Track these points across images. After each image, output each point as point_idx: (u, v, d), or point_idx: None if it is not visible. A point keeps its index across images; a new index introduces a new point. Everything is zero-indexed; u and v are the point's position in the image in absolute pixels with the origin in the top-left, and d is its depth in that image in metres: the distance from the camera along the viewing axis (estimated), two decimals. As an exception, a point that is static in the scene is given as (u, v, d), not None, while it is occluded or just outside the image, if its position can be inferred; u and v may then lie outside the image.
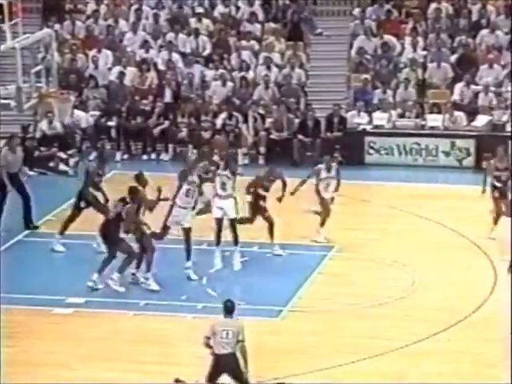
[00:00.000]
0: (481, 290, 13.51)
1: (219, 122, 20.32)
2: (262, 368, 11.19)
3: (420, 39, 21.51)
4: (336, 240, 15.00)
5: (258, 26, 22.03)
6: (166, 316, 12.84)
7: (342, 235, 15.13)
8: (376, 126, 20.01)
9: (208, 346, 9.98)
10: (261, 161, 20.11)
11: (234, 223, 13.92)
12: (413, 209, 16.09)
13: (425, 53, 21.35)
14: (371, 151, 19.77)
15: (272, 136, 20.12)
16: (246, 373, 9.84)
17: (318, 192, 15.09)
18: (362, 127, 20.03)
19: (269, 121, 20.32)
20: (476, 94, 20.43)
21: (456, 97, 20.47)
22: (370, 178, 18.89)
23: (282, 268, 14.16)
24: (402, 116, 20.28)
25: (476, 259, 14.66)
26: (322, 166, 15.29)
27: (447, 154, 19.57)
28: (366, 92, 20.72)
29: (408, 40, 21.53)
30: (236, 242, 13.92)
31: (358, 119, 20.22)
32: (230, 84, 21.00)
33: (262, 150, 20.11)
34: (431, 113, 20.30)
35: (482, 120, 19.96)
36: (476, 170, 19.04)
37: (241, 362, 9.89)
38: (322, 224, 14.97)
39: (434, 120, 20.03)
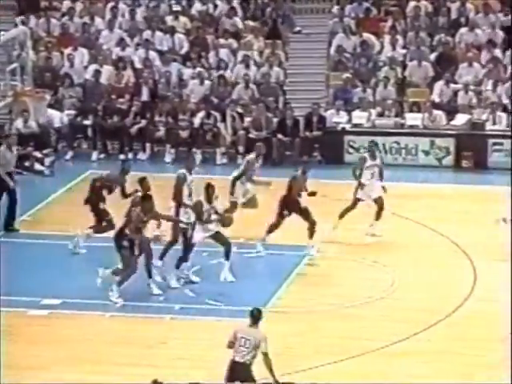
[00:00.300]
0: (461, 290, 13.59)
1: (197, 120, 20.29)
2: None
3: (399, 37, 21.60)
4: (316, 240, 15.02)
5: (238, 22, 22.04)
6: (144, 317, 12.81)
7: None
8: (355, 125, 20.07)
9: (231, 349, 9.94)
10: (239, 160, 20.08)
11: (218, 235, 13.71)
12: (392, 208, 16.13)
13: (404, 51, 21.45)
14: (351, 150, 19.82)
15: (251, 135, 20.11)
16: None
17: (359, 184, 15.21)
18: (341, 126, 20.08)
19: (247, 120, 20.32)
20: (455, 93, 20.55)
21: (435, 96, 20.58)
22: (350, 177, 18.90)
23: (262, 268, 14.18)
24: (381, 115, 20.35)
25: (456, 258, 14.75)
26: (365, 155, 15.53)
27: (427, 152, 19.66)
28: (345, 91, 20.78)
29: (387, 38, 21.61)
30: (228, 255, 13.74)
31: (337, 118, 20.27)
32: (207, 82, 20.99)
33: (241, 149, 20.10)
34: (411, 111, 20.39)
35: (461, 119, 20.07)
36: (456, 168, 19.17)
37: (253, 373, 9.82)
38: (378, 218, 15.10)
39: (413, 119, 20.11)
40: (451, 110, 20.25)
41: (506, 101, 20.28)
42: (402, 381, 11.08)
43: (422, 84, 20.89)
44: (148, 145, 20.35)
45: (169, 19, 22.22)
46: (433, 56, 21.27)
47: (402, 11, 22.04)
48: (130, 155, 20.27)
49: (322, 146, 19.91)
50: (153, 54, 21.51)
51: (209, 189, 13.50)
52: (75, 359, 11.65)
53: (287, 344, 11.96)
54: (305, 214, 14.44)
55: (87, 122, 20.48)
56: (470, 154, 19.52)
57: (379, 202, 15.31)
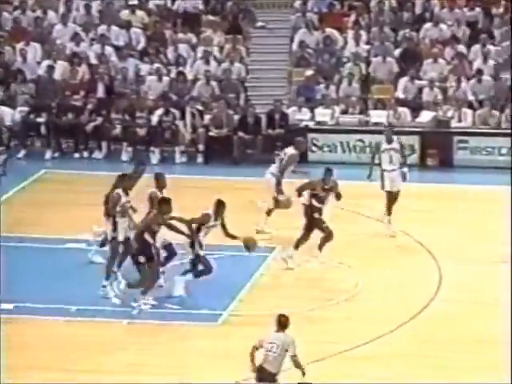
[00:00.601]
0: (426, 290, 13.68)
1: (155, 118, 20.23)
2: (204, 373, 11.17)
3: (363, 33, 21.72)
4: (278, 240, 15.05)
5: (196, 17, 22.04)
6: (100, 322, 12.73)
7: (285, 235, 15.17)
8: (319, 123, 20.14)
9: (252, 357, 9.99)
10: (199, 159, 20.09)
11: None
12: (357, 208, 16.21)
13: (368, 47, 21.57)
14: (314, 148, 19.89)
15: (211, 133, 20.09)
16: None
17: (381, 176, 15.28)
18: (304, 124, 20.14)
19: (207, 117, 20.30)
20: (420, 90, 20.70)
21: (400, 92, 20.72)
22: (313, 176, 18.94)
23: (223, 270, 14.15)
24: (345, 112, 20.45)
25: (420, 258, 14.85)
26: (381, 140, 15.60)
27: (391, 151, 19.76)
28: (308, 87, 20.84)
29: (351, 34, 21.72)
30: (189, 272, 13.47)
31: (299, 115, 20.33)
32: (166, 79, 20.92)
33: (201, 147, 20.08)
34: (375, 109, 20.51)
35: (426, 116, 20.23)
36: (421, 167, 19.31)
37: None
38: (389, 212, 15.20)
39: (378, 116, 20.23)
40: (416, 107, 20.42)
41: (471, 97, 20.49)
42: (367, 384, 11.14)
43: (386, 80, 21.02)
44: (104, 143, 20.24)
45: (125, 13, 22.13)
46: (397, 52, 21.41)
47: (366, 6, 22.17)
48: (86, 154, 20.16)
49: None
50: (109, 50, 21.40)
51: (220, 205, 13.20)
52: (27, 366, 11.52)
53: (249, 348, 11.96)
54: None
55: (40, 120, 20.31)
56: (435, 151, 19.69)
57: (395, 196, 15.36)
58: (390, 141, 15.73)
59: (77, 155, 20.10)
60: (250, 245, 13.33)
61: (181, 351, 11.89)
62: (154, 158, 19.95)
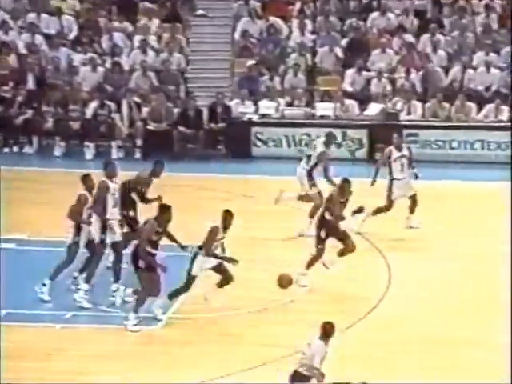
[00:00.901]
0: (376, 289, 13.63)
1: (89, 111, 19.95)
2: (144, 380, 10.96)
3: (308, 22, 21.65)
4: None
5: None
6: (30, 327, 12.43)
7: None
8: (263, 116, 20.03)
9: None
10: (137, 154, 19.86)
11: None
12: (303, 205, 16.09)
13: (314, 36, 21.50)
14: (258, 143, 19.78)
15: (149, 127, 19.87)
16: None
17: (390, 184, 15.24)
18: (247, 117, 20.01)
19: (145, 110, 20.05)
20: (368, 81, 20.70)
21: (347, 84, 20.68)
22: (258, 171, 18.87)
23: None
24: (290, 104, 20.36)
25: (369, 256, 14.80)
26: (391, 148, 15.51)
27: (339, 145, 19.71)
28: (250, 78, 20.70)
29: (295, 23, 21.64)
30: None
31: (243, 108, 20.18)
32: (101, 69, 20.63)
33: (139, 142, 19.86)
34: (322, 101, 20.46)
35: (374, 108, 20.22)
36: (369, 161, 19.28)
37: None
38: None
39: (324, 109, 20.18)
40: (364, 99, 20.40)
41: (420, 89, 20.54)
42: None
43: (333, 72, 20.98)
44: (35, 137, 19.92)
45: (55, 0, 21.80)
46: (344, 42, 21.38)
47: (311, -6, 22.12)
48: (16, 149, 19.88)
49: (227, 139, 19.79)
50: (39, 38, 21.07)
51: (228, 216, 12.60)
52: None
53: (191, 353, 11.77)
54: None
55: (-34, 113, 19.92)
56: (384, 145, 19.65)
57: (414, 198, 15.36)
58: (400, 148, 15.62)
59: (6, 150, 19.81)
60: (282, 282, 12.48)
61: (120, 355, 11.66)
62: (89, 153, 19.68)
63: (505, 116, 19.89)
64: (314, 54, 21.31)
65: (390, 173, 15.53)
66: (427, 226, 15.61)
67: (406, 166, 15.54)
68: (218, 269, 12.71)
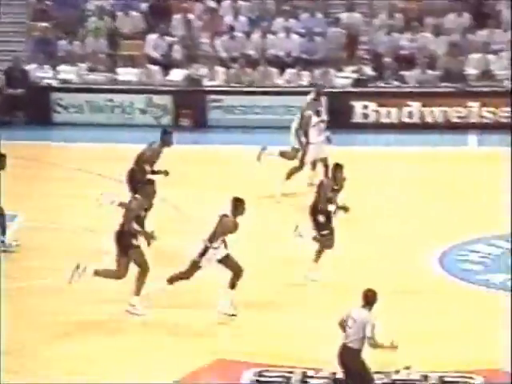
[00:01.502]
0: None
1: None
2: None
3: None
4: (21, 208, 14.53)
5: None
6: None
7: (31, 203, 14.69)
8: (64, 81, 19.69)
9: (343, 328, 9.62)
10: None
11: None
12: (110, 172, 15.97)
13: (113, 1, 21.30)
14: (59, 109, 19.46)
15: None
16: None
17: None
18: (46, 82, 19.61)
19: None
20: (170, 46, 20.74)
21: (149, 49, 20.65)
22: (59, 138, 18.55)
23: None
24: (92, 70, 20.11)
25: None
26: (310, 112, 15.58)
27: (143, 111, 19.75)
28: (47, 42, 20.27)
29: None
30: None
31: (41, 73, 19.76)
32: None
33: None
34: (125, 66, 20.34)
35: (178, 74, 20.33)
36: (175, 127, 19.31)
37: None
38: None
39: (127, 74, 20.09)
40: (167, 65, 20.46)
41: (223, 54, 20.81)
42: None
43: (135, 36, 20.87)
44: None
45: None
46: (144, 6, 21.30)
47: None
48: None
49: (26, 105, 19.33)
50: None
51: (238, 203, 11.73)
52: None
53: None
54: None
55: None
56: (189, 111, 19.86)
57: (325, 161, 15.39)
58: (319, 113, 15.85)
59: None
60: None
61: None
62: None
63: (305, 81, 20.47)
64: (114, 17, 21.11)
65: (306, 136, 15.68)
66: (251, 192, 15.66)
67: (322, 130, 15.80)
68: (226, 262, 11.96)
